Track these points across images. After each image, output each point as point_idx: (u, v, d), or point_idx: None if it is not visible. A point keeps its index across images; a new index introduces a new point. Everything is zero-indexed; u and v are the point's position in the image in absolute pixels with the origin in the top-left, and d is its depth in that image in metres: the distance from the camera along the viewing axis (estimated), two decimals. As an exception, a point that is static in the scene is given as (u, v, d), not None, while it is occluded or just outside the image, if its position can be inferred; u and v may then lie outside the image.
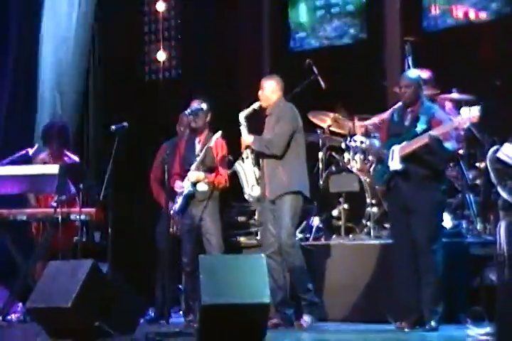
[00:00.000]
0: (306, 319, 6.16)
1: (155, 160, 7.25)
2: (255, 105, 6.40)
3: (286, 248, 6.18)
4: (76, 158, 7.45)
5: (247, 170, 6.39)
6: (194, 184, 6.57)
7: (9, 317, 6.93)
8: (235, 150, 6.65)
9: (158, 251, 7.05)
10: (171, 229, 6.80)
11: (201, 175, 6.57)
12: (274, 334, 5.80)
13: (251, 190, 6.35)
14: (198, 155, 6.61)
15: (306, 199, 6.34)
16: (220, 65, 9.07)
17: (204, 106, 6.64)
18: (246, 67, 9.12)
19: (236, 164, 6.48)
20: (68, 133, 7.48)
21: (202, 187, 6.58)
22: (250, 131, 6.40)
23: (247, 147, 6.36)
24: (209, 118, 6.72)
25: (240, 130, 6.41)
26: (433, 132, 5.69)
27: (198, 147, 6.69)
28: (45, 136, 7.38)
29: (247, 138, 6.33)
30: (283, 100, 6.42)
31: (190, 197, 6.59)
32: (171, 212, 6.60)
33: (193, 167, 6.59)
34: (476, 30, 8.05)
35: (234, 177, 6.56)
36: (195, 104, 6.66)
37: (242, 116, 6.41)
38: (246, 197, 6.44)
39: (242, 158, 6.42)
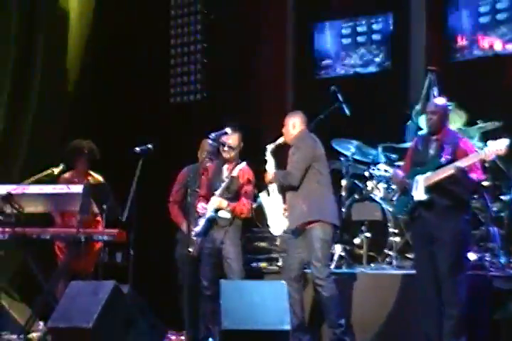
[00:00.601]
0: None
1: (175, 184, 7.28)
2: (280, 140, 6.48)
3: (318, 281, 6.15)
4: (100, 178, 7.49)
5: (272, 203, 6.41)
6: (216, 210, 6.59)
7: (30, 336, 6.94)
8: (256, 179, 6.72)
9: (180, 275, 7.04)
10: (189, 250, 6.80)
11: (224, 202, 6.58)
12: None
13: (276, 224, 6.37)
14: (224, 181, 6.64)
15: (336, 227, 6.33)
16: (245, 91, 9.11)
17: (234, 135, 6.65)
18: (270, 93, 9.15)
19: (261, 196, 6.49)
20: (95, 153, 7.52)
21: (224, 214, 6.61)
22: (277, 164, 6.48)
23: (270, 182, 6.40)
24: (240, 148, 6.76)
25: (261, 159, 6.46)
26: (459, 163, 5.66)
27: (225, 173, 6.73)
28: (73, 155, 7.43)
29: (269, 172, 6.40)
30: (305, 132, 6.46)
31: (212, 221, 6.61)
32: (192, 233, 6.58)
33: (217, 193, 6.61)
34: (502, 61, 8.06)
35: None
36: (232, 130, 6.66)
37: (268, 150, 6.46)
38: (270, 230, 6.45)
39: (268, 192, 6.44)
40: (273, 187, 6.45)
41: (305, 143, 6.34)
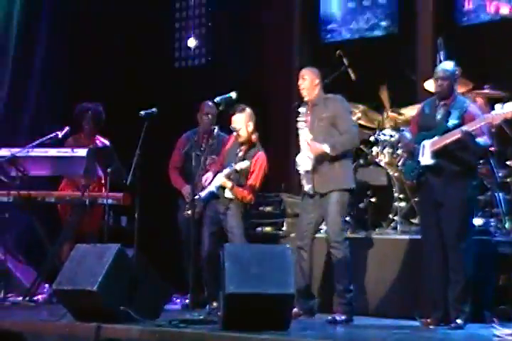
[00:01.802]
0: (343, 317, 6.04)
1: (174, 150, 7.25)
2: (306, 98, 6.33)
3: (334, 244, 6.14)
4: (107, 142, 7.48)
5: (302, 140, 6.28)
6: (221, 187, 6.54)
7: (36, 298, 6.99)
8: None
9: (182, 239, 7.07)
10: (186, 213, 6.81)
11: (228, 184, 6.51)
12: (298, 324, 5.80)
13: (302, 161, 6.23)
14: (235, 163, 6.54)
15: (352, 191, 6.31)
16: (249, 55, 9.04)
17: (239, 115, 6.58)
18: (275, 58, 9.09)
19: (302, 160, 6.26)
20: (101, 116, 7.50)
21: (228, 194, 6.55)
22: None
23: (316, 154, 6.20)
24: (252, 128, 6.64)
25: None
26: (465, 127, 5.64)
27: (240, 154, 6.64)
28: (80, 117, 7.41)
29: (319, 148, 6.15)
30: (323, 91, 6.38)
31: (214, 195, 6.59)
32: (196, 197, 6.54)
33: (224, 172, 6.54)
34: (510, 26, 7.98)
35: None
36: (237, 112, 6.59)
37: (301, 111, 6.32)
38: (297, 167, 6.30)
39: (307, 156, 6.24)
40: (302, 126, 6.30)
41: (348, 106, 6.40)
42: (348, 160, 6.31)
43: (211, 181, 6.60)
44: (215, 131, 6.74)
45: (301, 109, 6.36)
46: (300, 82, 6.35)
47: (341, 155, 6.19)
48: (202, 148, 6.96)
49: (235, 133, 6.62)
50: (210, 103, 7.17)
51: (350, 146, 6.26)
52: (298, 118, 6.37)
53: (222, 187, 6.54)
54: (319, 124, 6.25)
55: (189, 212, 6.73)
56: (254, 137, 6.67)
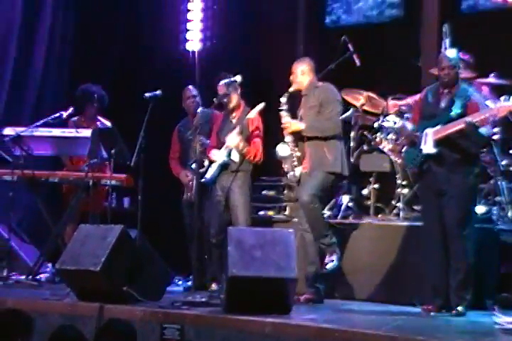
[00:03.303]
0: (332, 258, 6.16)
1: (172, 140, 7.28)
2: (290, 89, 6.44)
3: (305, 204, 6.17)
4: (108, 124, 7.46)
5: (290, 152, 6.38)
6: (229, 153, 6.57)
7: (38, 277, 7.01)
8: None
9: (186, 222, 7.09)
10: (185, 195, 6.81)
11: (242, 143, 6.55)
12: (300, 308, 5.84)
13: (294, 171, 6.35)
14: (235, 128, 6.61)
15: (343, 177, 6.39)
16: (254, 40, 9.02)
17: (237, 78, 6.62)
18: (280, 43, 9.05)
19: (279, 147, 6.42)
20: (105, 99, 7.49)
21: (235, 156, 6.57)
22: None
23: (293, 133, 6.35)
24: (239, 92, 6.73)
25: (271, 108, 6.42)
26: (469, 118, 5.61)
27: (234, 121, 6.72)
28: (82, 100, 7.41)
29: (295, 125, 6.34)
30: (316, 80, 6.44)
31: (224, 167, 6.59)
32: (202, 180, 6.57)
33: (234, 131, 6.57)
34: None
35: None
36: (222, 78, 6.64)
37: (282, 101, 6.42)
38: (289, 177, 6.44)
39: (285, 141, 6.40)
40: (289, 138, 6.40)
41: (336, 95, 6.41)
42: (336, 145, 6.32)
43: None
44: (199, 109, 6.80)
45: (282, 99, 6.42)
46: (291, 77, 6.46)
47: (330, 140, 6.25)
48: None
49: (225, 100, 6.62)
50: (190, 87, 7.25)
51: (327, 133, 6.29)
52: (280, 108, 6.43)
53: (230, 153, 6.55)
54: (308, 114, 6.36)
55: (188, 195, 6.78)
56: (242, 102, 6.74)
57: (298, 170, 6.34)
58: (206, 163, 6.67)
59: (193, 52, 9.10)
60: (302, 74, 6.42)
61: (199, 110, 6.91)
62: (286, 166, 6.40)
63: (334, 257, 6.17)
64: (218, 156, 6.61)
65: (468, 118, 5.62)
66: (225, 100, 6.66)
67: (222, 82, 6.65)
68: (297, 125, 6.33)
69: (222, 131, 6.75)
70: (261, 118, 6.72)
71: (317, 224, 6.22)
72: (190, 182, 6.94)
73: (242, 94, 6.80)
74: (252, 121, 6.65)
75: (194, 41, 9.07)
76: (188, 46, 9.08)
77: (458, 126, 5.67)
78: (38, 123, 7.08)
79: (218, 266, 6.51)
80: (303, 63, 6.49)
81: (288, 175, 6.43)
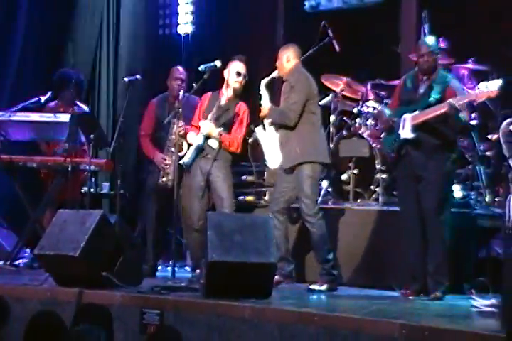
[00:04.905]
0: (321, 287, 6.12)
1: (145, 115, 7.16)
2: (274, 74, 6.44)
3: (307, 218, 6.19)
4: (86, 108, 7.42)
5: (268, 137, 6.38)
6: (206, 138, 6.51)
7: (17, 262, 6.99)
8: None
9: (149, 205, 7.02)
10: (161, 180, 6.78)
11: (215, 130, 6.48)
12: (280, 293, 5.85)
13: (272, 158, 6.34)
14: (220, 107, 6.54)
15: (326, 165, 6.39)
16: (234, 25, 8.99)
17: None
18: (259, 28, 9.04)
19: (257, 130, 6.45)
20: (83, 84, 7.45)
21: (213, 143, 6.51)
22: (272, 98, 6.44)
23: (265, 116, 6.37)
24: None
25: (252, 94, 6.40)
26: (452, 101, 5.63)
27: (222, 103, 6.59)
28: (60, 84, 7.35)
29: (265, 109, 6.36)
30: (299, 67, 6.43)
31: (200, 151, 6.52)
32: (181, 162, 6.47)
33: (209, 116, 6.49)
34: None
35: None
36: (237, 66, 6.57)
37: (262, 84, 6.40)
38: (267, 164, 6.44)
39: (264, 126, 6.40)
40: (268, 122, 6.40)
41: (301, 84, 6.30)
42: (314, 133, 6.31)
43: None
44: (181, 93, 6.64)
45: (263, 82, 6.41)
46: (277, 62, 6.43)
47: (297, 130, 6.23)
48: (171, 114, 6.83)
49: (240, 78, 6.53)
50: (180, 68, 7.13)
51: (282, 120, 6.29)
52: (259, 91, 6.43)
53: (207, 138, 6.48)
54: (282, 100, 6.36)
55: (164, 179, 6.72)
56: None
57: (279, 157, 6.31)
58: (185, 146, 6.62)
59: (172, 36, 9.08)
60: (287, 60, 6.39)
61: (185, 94, 6.65)
62: (264, 151, 6.39)
63: (325, 287, 6.11)
64: (195, 140, 6.53)
65: (451, 100, 5.63)
66: (239, 78, 6.51)
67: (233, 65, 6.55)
68: (265, 109, 6.35)
69: (207, 111, 6.61)
70: (248, 110, 6.65)
71: (321, 244, 6.16)
72: (167, 167, 6.81)
73: (221, 79, 6.76)
74: (238, 112, 6.57)
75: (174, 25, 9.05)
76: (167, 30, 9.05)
77: (440, 110, 5.67)
78: (15, 108, 7.03)
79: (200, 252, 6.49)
80: (288, 49, 6.46)
81: (266, 162, 6.43)
